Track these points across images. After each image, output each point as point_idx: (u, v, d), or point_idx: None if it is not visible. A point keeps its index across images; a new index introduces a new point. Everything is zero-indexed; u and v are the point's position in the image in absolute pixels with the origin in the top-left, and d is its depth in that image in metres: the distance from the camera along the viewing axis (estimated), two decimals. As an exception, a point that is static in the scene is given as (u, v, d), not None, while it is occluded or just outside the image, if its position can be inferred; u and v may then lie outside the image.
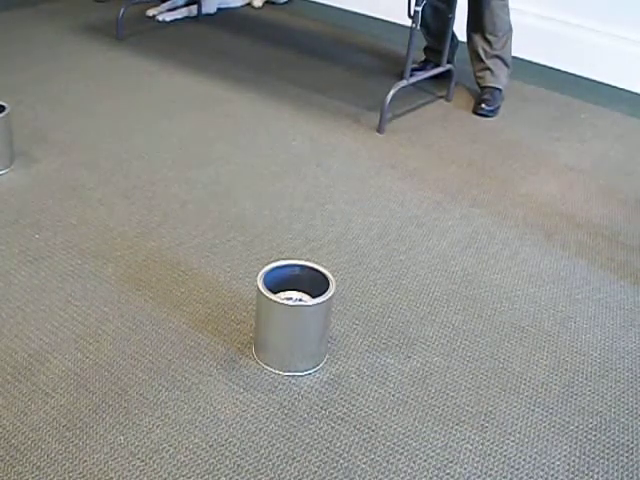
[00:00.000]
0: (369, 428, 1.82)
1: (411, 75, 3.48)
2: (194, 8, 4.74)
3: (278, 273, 1.99)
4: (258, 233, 2.56)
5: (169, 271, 2.33)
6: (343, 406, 1.87)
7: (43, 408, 1.80)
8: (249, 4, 5.08)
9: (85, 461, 1.66)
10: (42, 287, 2.22)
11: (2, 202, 2.65)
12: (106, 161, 2.95)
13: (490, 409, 1.90)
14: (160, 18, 4.66)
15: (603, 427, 1.88)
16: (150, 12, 4.69)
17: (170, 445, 1.72)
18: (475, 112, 3.66)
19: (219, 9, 4.90)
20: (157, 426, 1.77)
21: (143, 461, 1.67)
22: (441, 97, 3.78)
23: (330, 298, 1.90)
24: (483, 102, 3.66)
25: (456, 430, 1.83)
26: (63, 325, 2.07)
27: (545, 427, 1.86)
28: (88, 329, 2.06)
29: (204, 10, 4.77)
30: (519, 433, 1.84)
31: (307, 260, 2.04)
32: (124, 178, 2.84)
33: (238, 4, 5.03)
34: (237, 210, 2.69)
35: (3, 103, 2.82)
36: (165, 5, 4.76)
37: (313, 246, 2.49)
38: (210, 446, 1.73)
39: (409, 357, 2.05)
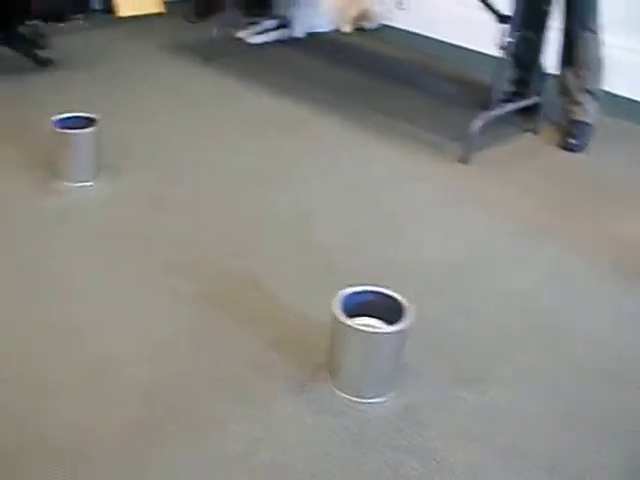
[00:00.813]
0: (435, 460, 1.79)
1: (498, 106, 3.45)
2: (283, 32, 4.80)
3: (354, 298, 1.99)
4: (336, 257, 2.56)
5: (246, 290, 2.35)
6: (411, 436, 1.85)
7: (113, 418, 1.82)
8: (338, 29, 5.12)
9: (152, 474, 1.68)
10: (121, 298, 2.27)
11: (86, 213, 2.71)
12: (189, 178, 3.00)
13: (563, 457, 1.84)
14: (249, 40, 4.73)
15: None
16: (240, 34, 4.77)
17: (237, 462, 1.72)
18: (563, 146, 3.60)
19: (308, 33, 4.95)
20: (225, 442, 1.78)
21: (209, 476, 1.68)
22: (528, 130, 3.73)
23: (405, 326, 1.89)
24: (571, 136, 3.60)
25: (522, 472, 1.78)
26: (138, 336, 2.11)
27: None
28: (162, 341, 2.10)
29: (293, 34, 4.82)
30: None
31: (383, 287, 2.03)
32: (206, 195, 2.88)
33: (327, 29, 5.07)
34: (316, 233, 2.70)
35: (93, 116, 2.90)
36: (254, 28, 4.84)
37: (390, 273, 2.47)
38: (277, 466, 1.72)
39: (482, 392, 2.01)
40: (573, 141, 3.58)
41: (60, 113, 2.90)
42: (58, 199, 2.81)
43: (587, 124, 3.65)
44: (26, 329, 2.11)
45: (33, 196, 2.81)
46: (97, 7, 4.95)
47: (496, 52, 3.40)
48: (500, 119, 3.49)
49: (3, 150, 3.13)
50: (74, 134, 2.86)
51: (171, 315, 2.21)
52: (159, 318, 2.19)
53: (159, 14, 5.10)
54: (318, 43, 4.86)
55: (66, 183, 2.88)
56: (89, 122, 2.90)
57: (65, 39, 4.36)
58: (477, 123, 3.31)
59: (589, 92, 3.62)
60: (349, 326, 1.86)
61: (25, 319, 2.15)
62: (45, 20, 4.08)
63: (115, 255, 2.47)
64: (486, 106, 3.48)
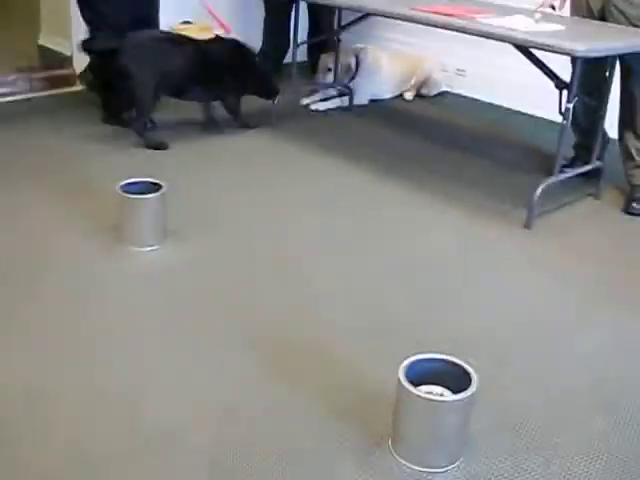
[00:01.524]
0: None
1: (560, 172, 3.47)
2: (346, 99, 4.91)
3: (420, 366, 2.00)
4: (401, 323, 2.58)
5: (311, 356, 2.38)
6: (479, 506, 1.84)
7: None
8: (400, 96, 5.21)
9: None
10: (181, 364, 2.31)
11: (151, 277, 2.79)
12: (253, 245, 3.07)
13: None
14: (314, 107, 4.85)
15: None
16: (304, 101, 4.89)
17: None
18: (626, 211, 3.59)
19: (370, 100, 5.05)
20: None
21: None
22: (590, 194, 3.73)
23: (472, 395, 1.89)
24: (635, 201, 3.59)
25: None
26: (203, 402, 2.14)
27: None
28: (227, 408, 2.12)
29: (356, 101, 4.93)
30: None
31: (449, 354, 2.04)
32: (271, 261, 2.94)
33: (389, 96, 5.17)
34: (382, 299, 2.73)
35: (160, 182, 3.00)
36: (318, 95, 4.96)
37: (456, 340, 2.48)
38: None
39: (549, 462, 2.00)
40: (636, 205, 3.58)
41: (128, 177, 3.01)
42: (122, 263, 2.89)
43: (651, 188, 3.64)
44: (82, 394, 2.15)
45: (98, 259, 2.90)
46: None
47: (557, 118, 3.43)
48: (562, 184, 3.51)
49: (71, 211, 3.24)
50: (141, 199, 2.94)
51: (233, 381, 2.24)
52: (220, 384, 2.22)
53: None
54: (380, 110, 4.95)
55: (131, 247, 2.96)
56: (155, 187, 2.98)
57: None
58: (539, 188, 3.33)
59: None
60: (414, 394, 1.88)
61: (82, 383, 2.19)
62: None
63: (177, 320, 2.52)
64: (548, 171, 3.50)
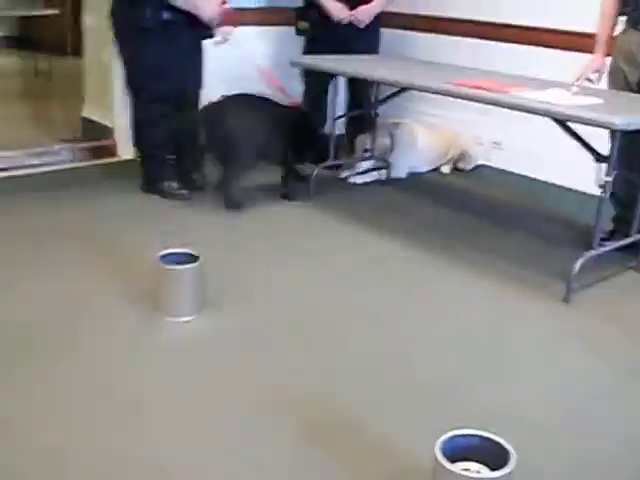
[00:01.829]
0: None
1: (599, 245, 3.44)
2: (384, 172, 4.95)
3: (457, 442, 1.96)
4: (437, 397, 2.54)
5: (344, 429, 2.35)
6: None
7: None
8: (437, 169, 5.23)
9: None
10: (217, 433, 2.30)
11: (187, 348, 2.80)
12: (289, 316, 3.06)
13: None
14: (351, 180, 4.89)
15: None
16: (343, 174, 4.93)
17: None
18: (668, 284, 3.54)
19: (407, 174, 5.07)
20: None
21: None
22: (631, 268, 3.68)
23: (510, 473, 1.85)
24: (676, 275, 3.55)
25: None
26: (239, 471, 2.12)
27: None
28: (262, 477, 2.10)
29: (394, 174, 4.96)
30: None
31: (485, 429, 2.00)
32: (307, 333, 2.93)
33: (425, 169, 5.19)
34: (416, 372, 2.70)
35: (196, 253, 3.02)
36: (356, 168, 4.99)
37: (493, 415, 2.44)
38: None
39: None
40: (679, 278, 3.53)
41: (167, 247, 3.04)
42: (158, 332, 2.90)
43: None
44: (112, 461, 2.15)
45: (134, 327, 2.91)
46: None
47: (595, 191, 3.42)
48: (602, 257, 3.47)
49: (110, 279, 3.28)
50: (178, 270, 2.96)
51: (264, 456, 2.21)
52: (251, 460, 2.20)
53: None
54: (417, 183, 4.97)
55: (168, 317, 2.97)
56: (193, 258, 3.00)
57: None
58: (578, 262, 3.30)
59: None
60: (451, 471, 1.84)
61: (112, 448, 2.19)
62: None
63: (209, 392, 2.51)
64: (587, 245, 3.47)
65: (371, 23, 4.93)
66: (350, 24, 4.86)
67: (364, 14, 4.88)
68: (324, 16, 4.84)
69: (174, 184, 4.37)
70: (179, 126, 4.27)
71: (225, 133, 4.13)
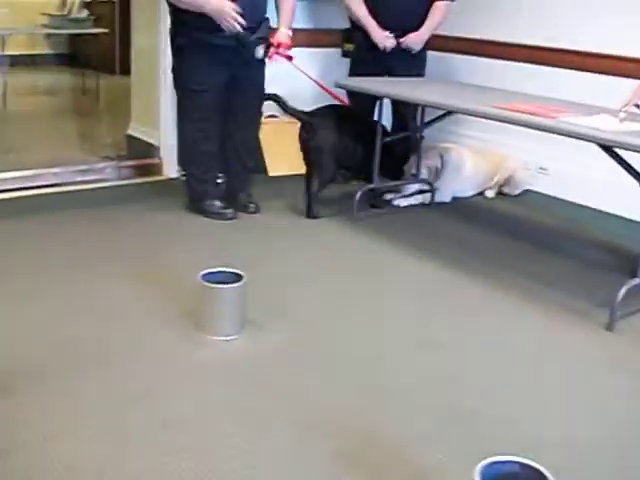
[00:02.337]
0: None
1: (644, 273, 3.39)
2: (428, 196, 4.93)
3: (496, 469, 1.93)
4: (478, 425, 2.52)
5: (384, 453, 2.34)
6: None
7: None
8: (481, 194, 5.20)
9: None
10: (256, 454, 2.30)
11: (229, 367, 2.80)
12: (332, 338, 3.06)
13: None
14: (395, 203, 4.87)
15: None
16: (387, 196, 4.92)
17: None
18: None
19: (452, 198, 5.05)
20: None
21: None
22: (677, 297, 3.62)
23: (550, 502, 1.82)
24: None
25: None
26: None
27: None
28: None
29: (438, 198, 4.94)
30: None
31: (526, 458, 1.97)
32: (349, 355, 2.92)
33: (470, 194, 5.16)
34: (459, 398, 2.67)
35: (241, 272, 3.03)
36: (402, 191, 4.98)
37: (535, 443, 2.40)
38: None
39: None
40: None
41: (210, 266, 3.05)
42: (200, 352, 2.91)
43: None
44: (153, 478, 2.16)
45: (176, 346, 2.92)
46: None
47: (642, 218, 3.37)
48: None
49: (153, 297, 3.30)
50: (221, 289, 2.96)
51: (304, 472, 2.21)
52: (291, 474, 2.20)
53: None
54: (462, 208, 4.95)
55: (209, 336, 2.98)
56: (236, 277, 3.01)
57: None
58: (623, 289, 3.25)
59: None
60: (491, 498, 1.81)
61: (155, 468, 2.20)
62: None
63: (249, 412, 2.52)
64: (632, 272, 3.42)
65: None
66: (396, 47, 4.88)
67: (415, 41, 4.90)
68: (370, 39, 4.85)
69: (217, 202, 4.40)
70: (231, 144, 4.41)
71: (315, 144, 4.44)
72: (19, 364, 2.71)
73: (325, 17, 5.60)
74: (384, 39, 4.84)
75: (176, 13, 4.14)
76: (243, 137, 4.46)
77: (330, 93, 4.72)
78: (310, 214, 4.46)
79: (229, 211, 4.39)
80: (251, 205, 4.54)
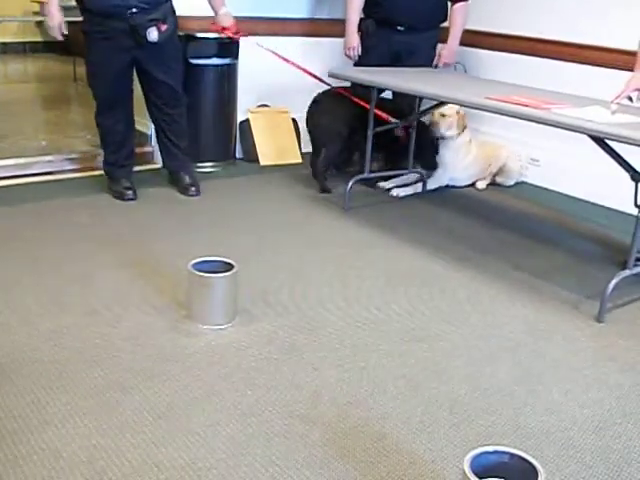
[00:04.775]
0: None
1: (635, 265, 3.39)
2: (421, 185, 4.95)
3: (485, 459, 1.95)
4: (466, 415, 2.53)
5: (374, 443, 2.34)
6: None
7: None
8: (473, 185, 5.20)
9: None
10: (247, 443, 2.30)
11: (220, 355, 2.80)
12: (323, 328, 3.06)
13: None
14: (394, 193, 4.87)
15: None
16: (384, 185, 4.92)
17: None
18: None
19: (445, 187, 5.05)
20: None
21: None
22: (668, 288, 3.64)
23: (538, 492, 1.83)
24: None
25: None
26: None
27: None
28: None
29: (430, 187, 4.98)
30: None
31: (515, 448, 1.98)
32: (339, 345, 2.93)
33: (464, 184, 5.17)
34: (447, 389, 2.68)
35: (232, 262, 3.03)
36: (396, 180, 4.98)
37: (522, 434, 2.42)
38: None
39: None
40: None
41: (200, 255, 3.05)
42: (191, 341, 2.90)
43: None
44: (142, 469, 2.15)
45: (166, 335, 2.92)
46: (241, 156, 5.33)
47: (632, 210, 3.38)
48: (637, 277, 3.43)
49: (143, 286, 3.30)
50: (211, 278, 2.95)
51: (298, 464, 2.21)
52: (285, 467, 2.20)
53: (297, 164, 5.38)
54: (454, 198, 4.96)
55: (200, 325, 2.98)
56: (227, 267, 3.01)
57: (211, 183, 4.65)
58: (613, 281, 3.26)
59: None
60: (479, 488, 1.83)
61: (142, 459, 2.20)
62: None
63: (245, 400, 2.52)
64: (622, 264, 3.44)
65: (428, 38, 4.95)
66: (406, 36, 4.85)
67: (447, 56, 4.94)
68: (377, 28, 4.84)
69: (123, 183, 4.49)
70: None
71: (321, 124, 4.80)
72: (7, 353, 2.71)
73: (331, 7, 5.68)
74: (350, 48, 4.93)
75: None
76: (165, 118, 4.52)
77: (320, 80, 4.74)
78: (324, 189, 4.79)
79: (129, 192, 4.45)
80: (192, 188, 4.59)
